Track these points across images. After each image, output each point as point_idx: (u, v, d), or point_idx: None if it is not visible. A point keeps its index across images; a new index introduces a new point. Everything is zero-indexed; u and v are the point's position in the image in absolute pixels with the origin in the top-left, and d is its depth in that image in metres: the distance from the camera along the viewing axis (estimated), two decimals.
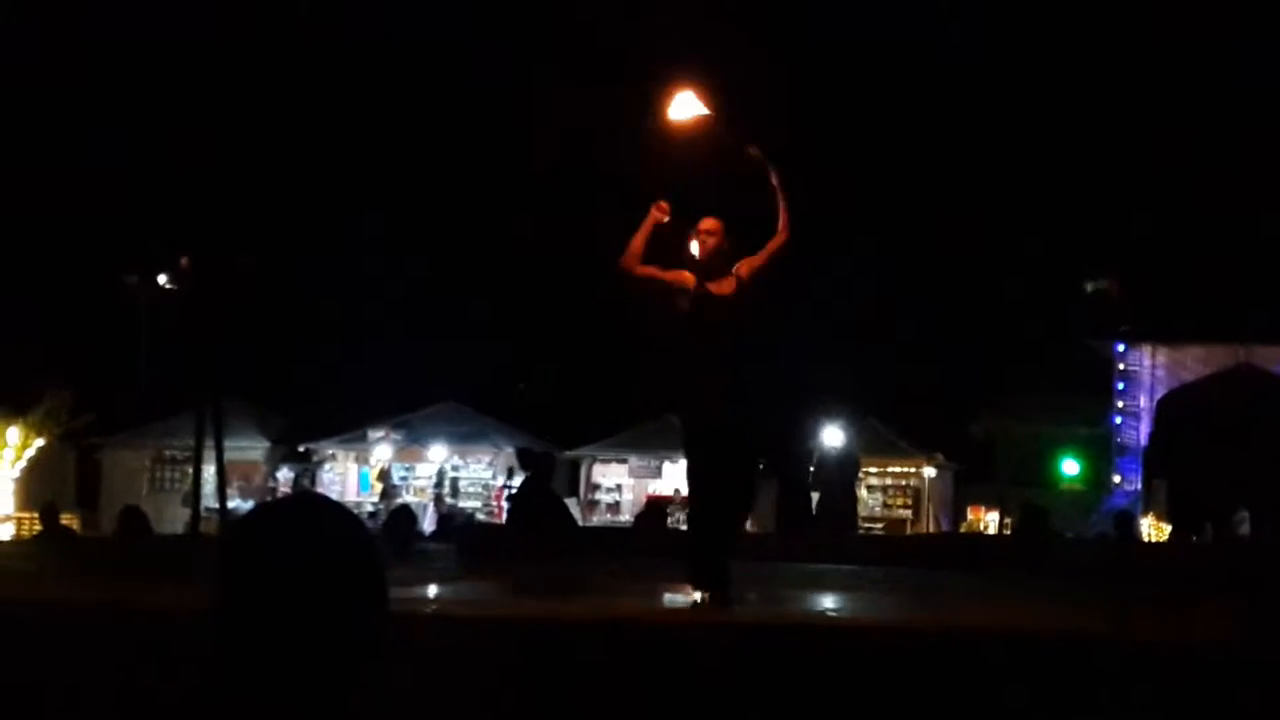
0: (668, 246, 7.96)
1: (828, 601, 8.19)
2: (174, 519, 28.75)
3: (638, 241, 7.87)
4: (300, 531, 2.14)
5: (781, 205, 7.75)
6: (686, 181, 8.40)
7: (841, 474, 22.61)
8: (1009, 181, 37.59)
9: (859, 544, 17.95)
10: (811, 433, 24.21)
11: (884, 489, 34.57)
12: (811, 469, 23.65)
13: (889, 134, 39.01)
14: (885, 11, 36.29)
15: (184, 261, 23.00)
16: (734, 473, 7.70)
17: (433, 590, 8.83)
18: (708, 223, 7.85)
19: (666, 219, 7.89)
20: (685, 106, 8.02)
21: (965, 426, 35.47)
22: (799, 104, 36.70)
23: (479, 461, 33.98)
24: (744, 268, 7.80)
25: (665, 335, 8.13)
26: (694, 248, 7.85)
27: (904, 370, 37.91)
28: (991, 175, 37.60)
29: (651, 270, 7.86)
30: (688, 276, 7.82)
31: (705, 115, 8.00)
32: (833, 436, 24.13)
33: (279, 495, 32.10)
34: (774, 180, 7.74)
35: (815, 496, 23.44)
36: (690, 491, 8.01)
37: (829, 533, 19.48)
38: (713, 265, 7.79)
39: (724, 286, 7.76)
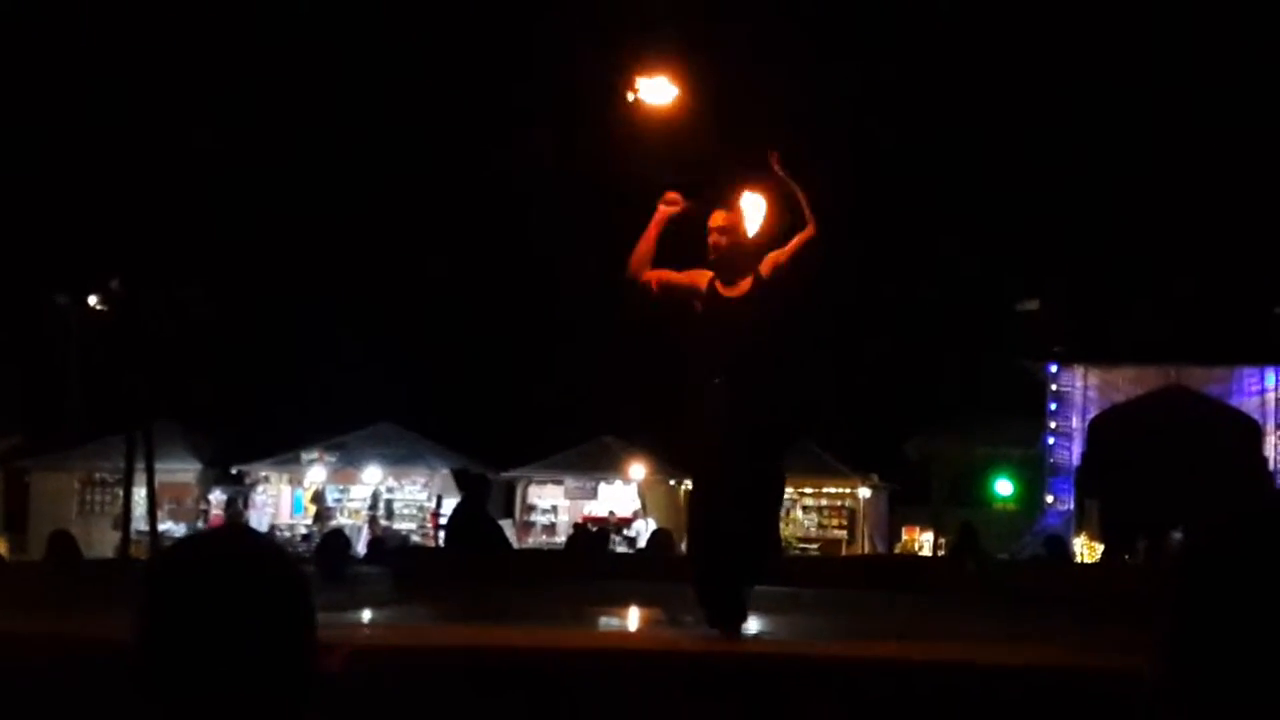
0: (687, 244, 7.10)
1: (754, 624, 8.16)
2: (104, 542, 28.47)
3: (645, 244, 7.03)
4: (224, 563, 2.11)
5: (803, 201, 6.85)
6: (670, 172, 7.38)
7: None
8: (941, 202, 37.85)
9: (787, 565, 17.99)
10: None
11: (819, 509, 34.67)
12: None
13: (823, 150, 39.19)
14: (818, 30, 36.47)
15: (114, 284, 22.81)
16: (734, 495, 6.80)
17: (366, 615, 8.77)
18: (717, 218, 7.01)
19: (680, 208, 7.08)
20: (660, 90, 7.26)
21: (900, 447, 35.64)
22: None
23: (414, 483, 33.81)
24: (766, 265, 6.94)
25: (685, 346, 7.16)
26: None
27: (838, 391, 38.03)
28: (924, 195, 37.85)
29: (663, 274, 7.04)
30: (700, 276, 7.03)
31: (677, 98, 7.22)
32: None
33: (211, 517, 31.90)
34: (791, 181, 6.88)
35: None
36: (688, 517, 7.32)
37: None
38: (725, 265, 6.97)
39: (738, 288, 6.93)
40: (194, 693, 2.03)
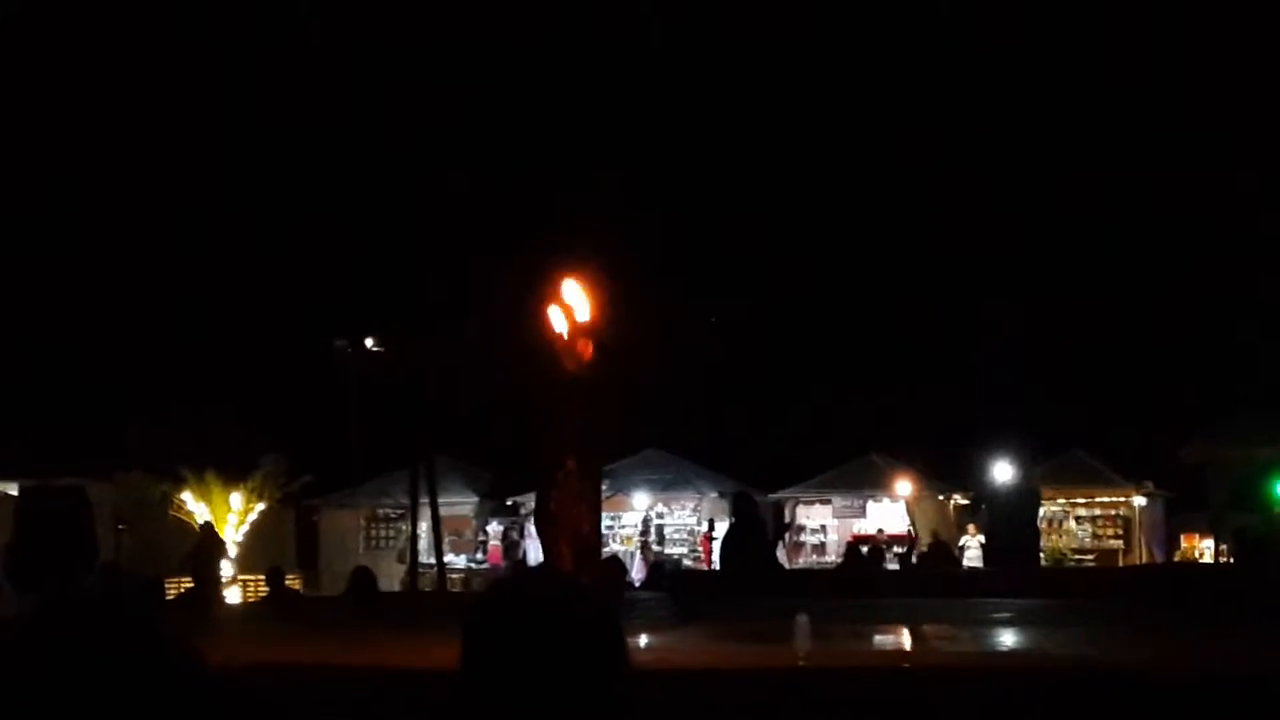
0: None
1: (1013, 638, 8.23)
2: (390, 575, 29.47)
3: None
4: (541, 605, 2.26)
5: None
6: None
7: (1017, 509, 22.55)
8: (1213, 200, 36.95)
9: (1044, 577, 17.94)
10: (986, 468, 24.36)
11: (1093, 519, 34.10)
12: (983, 505, 23.87)
13: (1104, 158, 38.67)
14: None
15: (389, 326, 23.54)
16: None
17: (649, 639, 9.05)
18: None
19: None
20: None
21: (1174, 452, 34.79)
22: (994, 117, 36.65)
23: (683, 508, 34.17)
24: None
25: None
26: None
27: (1109, 398, 37.40)
28: (1201, 194, 36.99)
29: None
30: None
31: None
32: (1003, 472, 24.05)
33: (490, 548, 32.71)
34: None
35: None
36: None
37: (1006, 567, 19.44)
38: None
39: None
40: None
